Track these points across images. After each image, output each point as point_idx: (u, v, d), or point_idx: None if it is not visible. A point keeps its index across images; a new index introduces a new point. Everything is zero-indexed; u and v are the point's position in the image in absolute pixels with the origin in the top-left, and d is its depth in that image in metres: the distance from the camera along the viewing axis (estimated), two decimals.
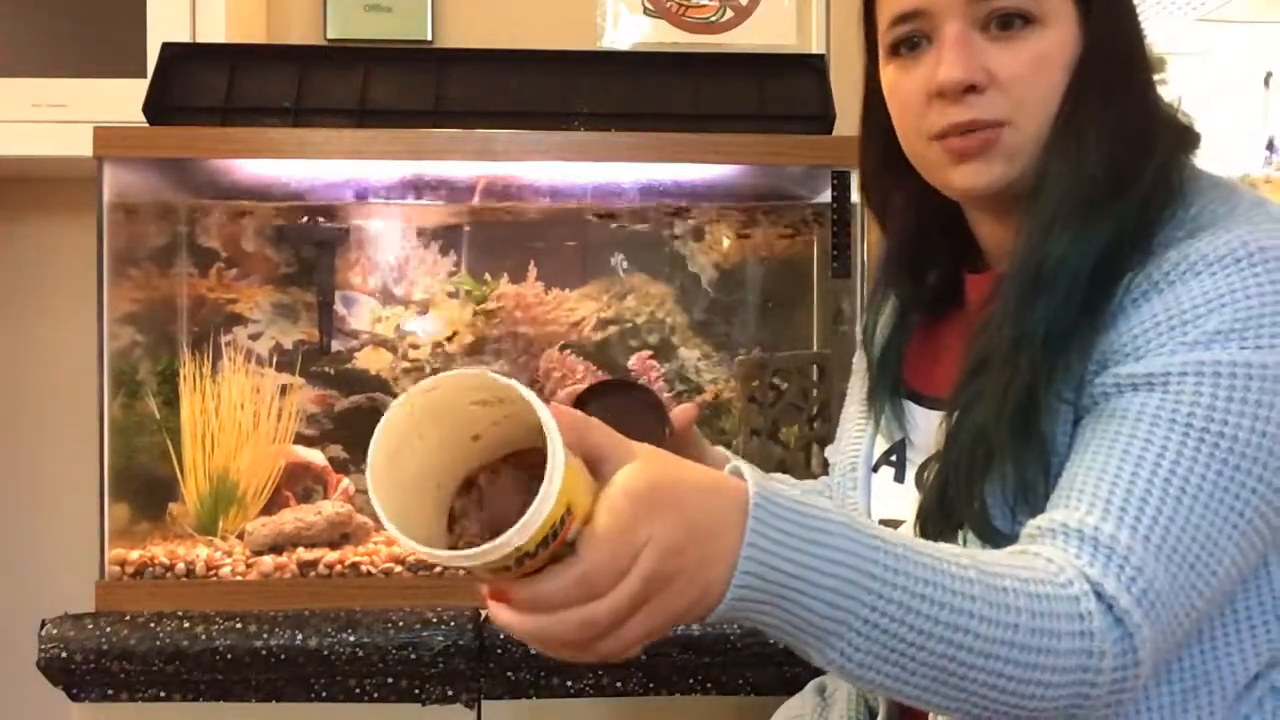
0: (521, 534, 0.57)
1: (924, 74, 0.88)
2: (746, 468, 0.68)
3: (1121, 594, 0.71)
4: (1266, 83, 2.29)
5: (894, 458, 0.98)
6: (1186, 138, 0.89)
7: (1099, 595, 0.72)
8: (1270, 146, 2.30)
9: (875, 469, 0.99)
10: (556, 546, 0.60)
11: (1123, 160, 0.84)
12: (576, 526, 0.61)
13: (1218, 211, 0.83)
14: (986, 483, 0.81)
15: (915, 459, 0.95)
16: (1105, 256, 0.82)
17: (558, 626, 0.61)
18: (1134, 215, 0.83)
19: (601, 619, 0.62)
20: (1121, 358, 0.79)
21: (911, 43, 0.89)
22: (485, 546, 0.58)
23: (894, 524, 0.94)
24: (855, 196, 1.52)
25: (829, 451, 1.17)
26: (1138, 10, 0.90)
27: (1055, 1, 0.85)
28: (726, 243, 1.73)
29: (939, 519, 0.85)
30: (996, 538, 0.81)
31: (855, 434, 1.03)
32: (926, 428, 0.95)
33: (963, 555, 0.72)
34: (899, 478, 0.97)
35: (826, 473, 1.19)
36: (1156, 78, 0.90)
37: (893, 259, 1.02)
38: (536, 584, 0.61)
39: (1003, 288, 0.85)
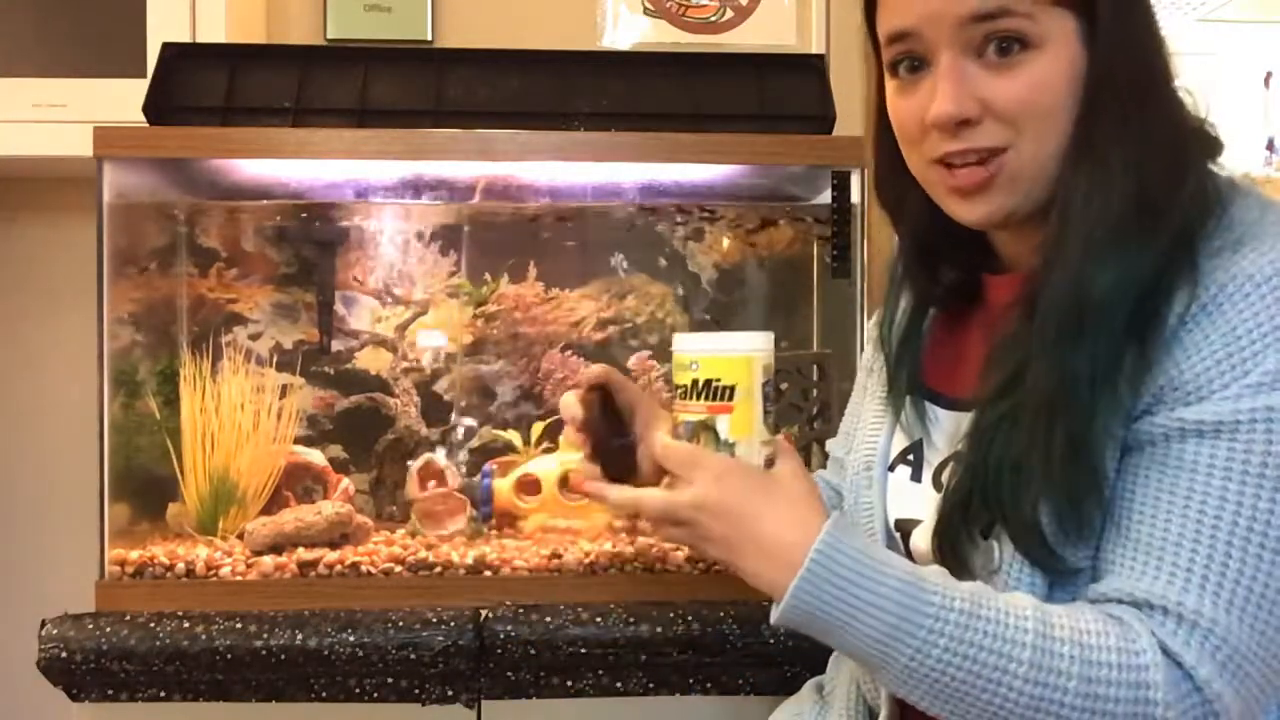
0: (706, 345, 0.89)
1: (920, 102, 0.87)
2: (836, 513, 0.84)
3: (1203, 663, 0.75)
4: (1266, 83, 2.29)
5: (911, 457, 0.98)
6: (1212, 146, 0.87)
7: (1177, 664, 0.75)
8: (1270, 146, 2.30)
9: (891, 468, 0.99)
10: (703, 412, 0.88)
11: (1154, 181, 0.82)
12: (724, 422, 0.87)
13: (1262, 222, 0.81)
14: (1040, 508, 0.81)
15: (933, 459, 0.95)
16: (1150, 284, 0.80)
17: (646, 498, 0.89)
18: (1174, 237, 0.81)
19: (654, 506, 0.88)
20: (1182, 396, 0.78)
21: (912, 64, 0.87)
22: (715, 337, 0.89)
23: (911, 523, 0.94)
24: (855, 197, 1.52)
25: (831, 444, 1.18)
26: (1155, 18, 0.86)
27: (1052, 22, 0.82)
28: (726, 243, 1.73)
29: (960, 526, 0.85)
30: (1041, 551, 0.81)
31: (871, 433, 1.02)
32: (946, 428, 0.95)
33: (1030, 621, 0.77)
34: (916, 477, 0.97)
35: (825, 466, 1.20)
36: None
37: (907, 257, 1.01)
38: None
39: (1039, 318, 0.83)
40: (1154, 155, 0.82)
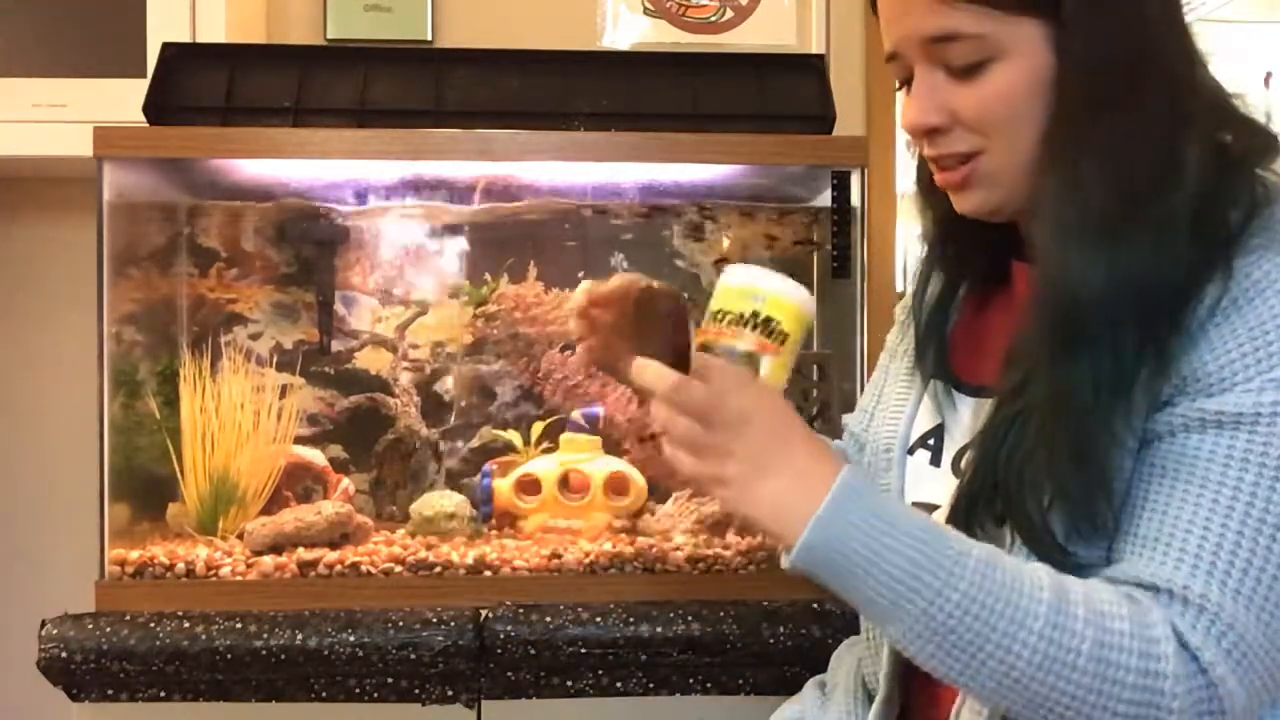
0: (775, 286, 0.86)
1: None
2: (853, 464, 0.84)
3: (1207, 647, 0.75)
4: (1266, 83, 2.29)
5: (931, 441, 0.98)
6: (1257, 144, 0.86)
7: (1184, 646, 0.75)
8: None
9: (911, 451, 1.00)
10: (754, 344, 0.85)
11: (1137, 176, 0.81)
12: (768, 361, 0.85)
13: None
14: (1049, 510, 0.81)
15: (953, 444, 0.96)
16: (1156, 289, 0.80)
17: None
18: (1172, 236, 0.80)
19: (700, 397, 0.81)
20: (1204, 387, 0.78)
21: (906, 79, 0.91)
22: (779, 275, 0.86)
23: (928, 508, 0.95)
24: (855, 197, 1.52)
25: (848, 418, 1.19)
26: (1151, 12, 0.85)
27: (1013, 32, 0.83)
28: (726, 243, 1.73)
29: (971, 520, 0.86)
30: (1051, 548, 0.81)
31: (892, 416, 1.03)
32: (967, 414, 0.96)
33: (1046, 581, 0.77)
34: (935, 461, 0.97)
35: (841, 438, 1.20)
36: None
37: (938, 238, 1.02)
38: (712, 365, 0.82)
39: (1036, 318, 0.83)
40: (1134, 150, 0.82)
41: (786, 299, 0.86)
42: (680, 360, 0.84)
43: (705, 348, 0.86)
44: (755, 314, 0.86)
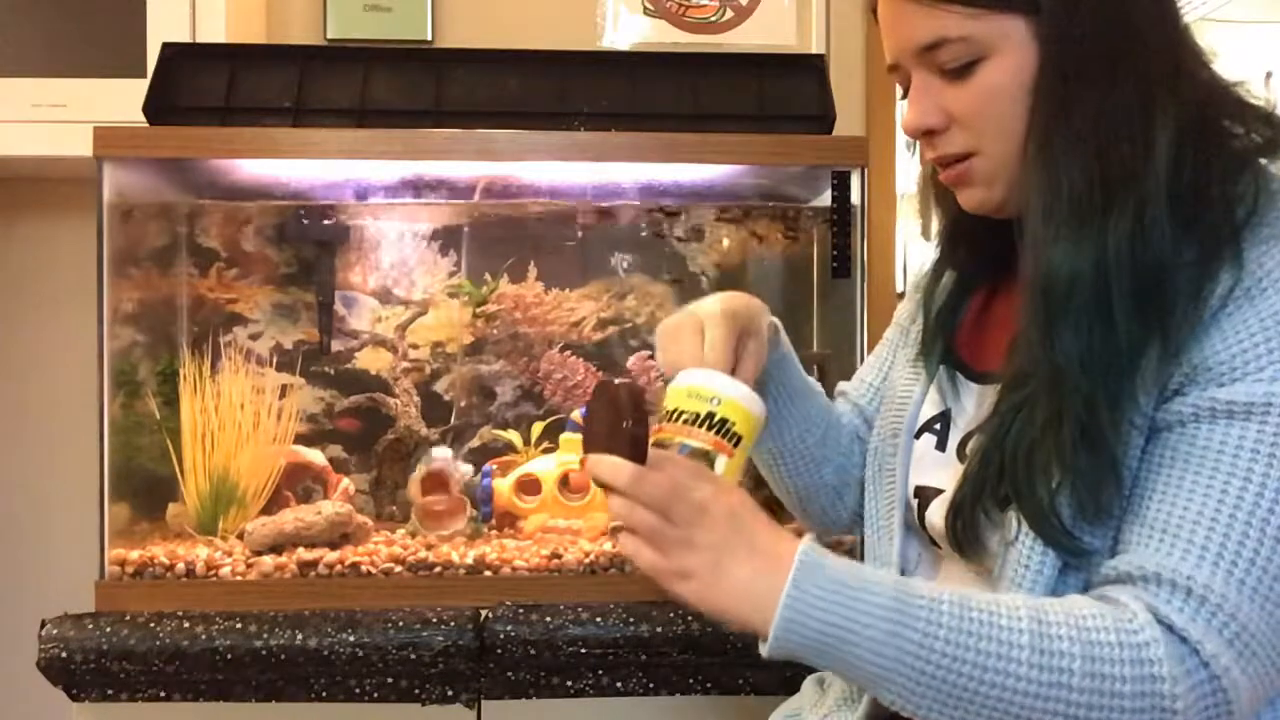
0: (730, 390, 0.87)
1: None
2: (809, 536, 0.82)
3: (1209, 638, 0.74)
4: (1266, 82, 2.29)
5: (938, 426, 0.98)
6: (1261, 137, 0.86)
7: (1183, 640, 0.75)
8: None
9: (916, 435, 1.00)
10: (709, 443, 0.86)
11: (1110, 166, 0.82)
12: (723, 461, 0.86)
13: None
14: (1057, 494, 0.81)
15: (958, 429, 0.96)
16: (1143, 272, 0.80)
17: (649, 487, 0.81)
18: (1151, 223, 0.80)
19: (661, 487, 0.81)
20: (1215, 376, 0.79)
21: (907, 87, 0.93)
22: (732, 381, 0.89)
23: (933, 492, 0.96)
24: (855, 197, 1.52)
25: (844, 384, 1.19)
26: (1138, 11, 0.85)
27: (997, 31, 0.85)
28: (726, 243, 1.73)
29: (976, 507, 0.86)
30: (1058, 533, 0.81)
31: (900, 400, 1.03)
32: (971, 401, 0.96)
33: (1023, 609, 0.78)
34: (940, 447, 0.97)
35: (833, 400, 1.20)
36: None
37: (950, 238, 1.03)
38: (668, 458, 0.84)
39: (1026, 303, 0.84)
40: (1107, 139, 0.83)
41: (740, 403, 0.88)
42: (637, 456, 0.84)
43: (660, 444, 0.87)
44: (710, 415, 0.88)
